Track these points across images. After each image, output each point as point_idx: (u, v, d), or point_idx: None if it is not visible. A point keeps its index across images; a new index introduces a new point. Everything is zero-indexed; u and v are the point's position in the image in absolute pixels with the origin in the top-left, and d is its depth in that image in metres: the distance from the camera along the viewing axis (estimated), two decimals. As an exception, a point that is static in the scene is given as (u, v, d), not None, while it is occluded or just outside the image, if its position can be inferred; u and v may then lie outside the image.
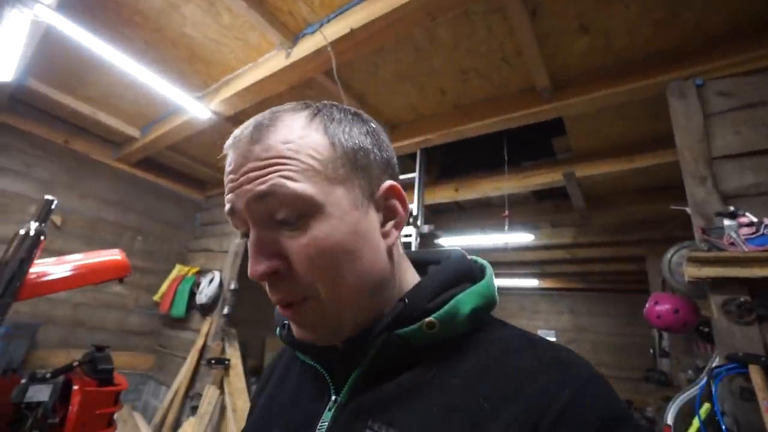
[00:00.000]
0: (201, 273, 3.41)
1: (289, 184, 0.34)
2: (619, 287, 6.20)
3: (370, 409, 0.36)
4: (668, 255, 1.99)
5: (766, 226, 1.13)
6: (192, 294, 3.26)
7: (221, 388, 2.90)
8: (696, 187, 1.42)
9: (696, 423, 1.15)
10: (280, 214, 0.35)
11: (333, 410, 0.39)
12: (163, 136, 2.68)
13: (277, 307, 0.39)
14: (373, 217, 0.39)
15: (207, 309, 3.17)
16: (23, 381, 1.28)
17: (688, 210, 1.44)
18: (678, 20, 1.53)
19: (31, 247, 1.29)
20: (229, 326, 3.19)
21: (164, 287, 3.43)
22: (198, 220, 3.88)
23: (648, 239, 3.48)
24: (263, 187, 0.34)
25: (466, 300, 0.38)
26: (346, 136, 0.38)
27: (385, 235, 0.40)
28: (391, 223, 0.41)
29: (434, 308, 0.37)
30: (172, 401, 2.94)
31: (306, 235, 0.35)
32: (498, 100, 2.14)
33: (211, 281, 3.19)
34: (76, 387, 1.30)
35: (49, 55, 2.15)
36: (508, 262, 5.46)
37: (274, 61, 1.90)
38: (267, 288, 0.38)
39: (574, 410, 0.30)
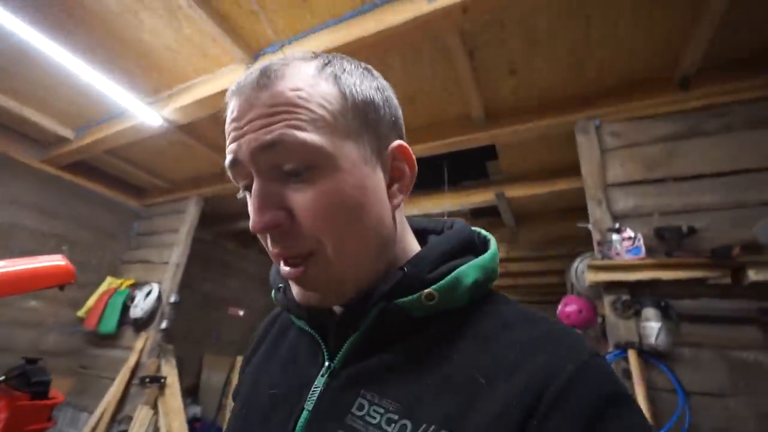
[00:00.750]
0: (136, 285, 3.20)
1: (299, 134, 0.32)
2: (545, 299, 6.85)
3: (364, 378, 0.35)
4: (575, 264, 2.35)
5: (639, 239, 1.45)
6: (125, 308, 3.05)
7: (155, 408, 2.72)
8: (595, 208, 1.75)
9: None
10: (288, 165, 0.33)
11: (326, 376, 0.37)
12: (103, 139, 2.55)
13: (281, 265, 0.37)
14: (380, 177, 0.38)
15: (142, 324, 2.98)
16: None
17: (590, 227, 1.76)
18: (583, 73, 1.90)
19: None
20: (167, 342, 3.03)
21: (91, 302, 3.15)
22: (135, 230, 3.65)
23: (567, 254, 3.96)
24: (270, 136, 0.32)
25: (468, 272, 0.37)
26: (358, 89, 0.37)
27: (390, 197, 0.39)
28: (396, 186, 0.40)
29: (434, 279, 0.36)
30: (95, 427, 2.68)
31: (314, 187, 0.33)
32: (439, 126, 2.39)
33: (148, 294, 3.02)
34: (2, 402, 1.21)
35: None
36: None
37: (234, 74, 1.95)
38: (268, 242, 0.36)
39: (577, 385, 0.29)
